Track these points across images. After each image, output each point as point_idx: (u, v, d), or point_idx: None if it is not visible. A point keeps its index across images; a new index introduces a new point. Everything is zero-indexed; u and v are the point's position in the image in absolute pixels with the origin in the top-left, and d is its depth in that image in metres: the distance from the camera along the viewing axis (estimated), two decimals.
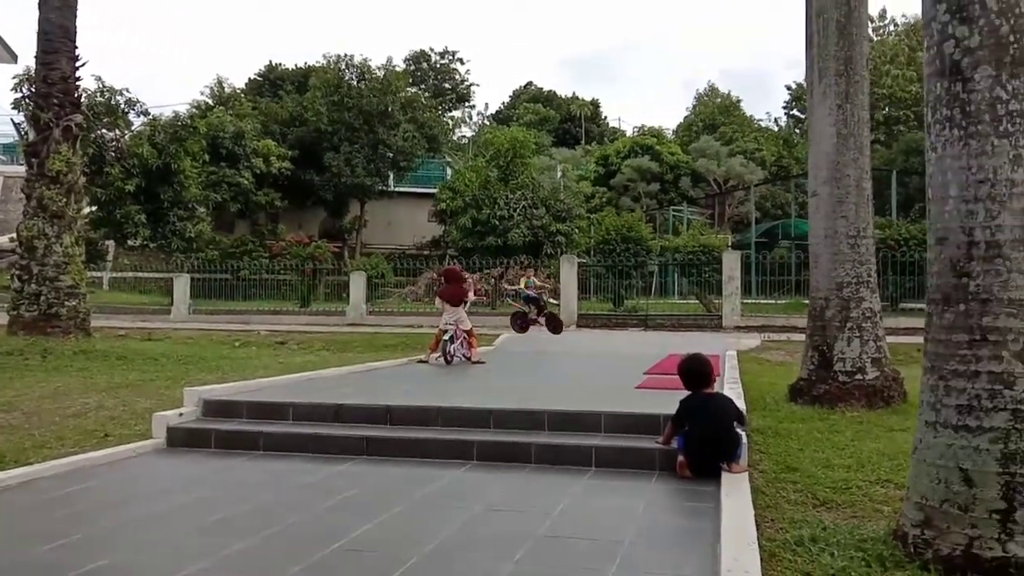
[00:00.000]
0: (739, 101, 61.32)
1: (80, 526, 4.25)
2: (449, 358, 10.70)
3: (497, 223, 28.79)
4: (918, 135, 39.16)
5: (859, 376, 7.92)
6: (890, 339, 8.69)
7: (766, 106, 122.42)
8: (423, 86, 57.59)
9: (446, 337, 10.84)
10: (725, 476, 4.96)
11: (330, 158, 35.93)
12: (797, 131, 54.88)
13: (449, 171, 42.88)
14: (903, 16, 52.84)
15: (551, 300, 26.26)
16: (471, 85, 64.16)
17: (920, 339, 3.99)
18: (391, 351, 14.46)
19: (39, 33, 14.28)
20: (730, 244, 32.27)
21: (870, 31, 49.35)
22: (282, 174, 35.02)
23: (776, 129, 58.75)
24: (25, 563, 3.65)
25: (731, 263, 20.77)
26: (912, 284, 20.61)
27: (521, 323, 17.76)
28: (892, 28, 53.15)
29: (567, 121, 64.92)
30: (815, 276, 8.38)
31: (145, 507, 4.68)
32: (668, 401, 5.76)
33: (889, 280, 19.90)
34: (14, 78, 29.03)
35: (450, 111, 61.25)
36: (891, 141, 44.67)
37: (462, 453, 5.84)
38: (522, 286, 18.68)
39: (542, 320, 17.80)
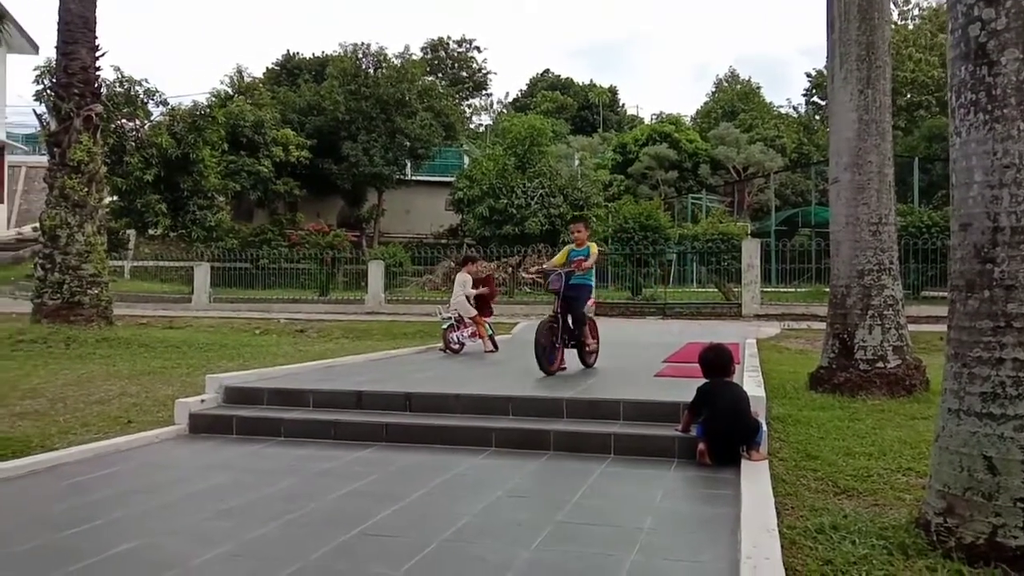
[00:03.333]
0: (759, 88, 60.77)
1: (104, 511, 4.30)
2: (455, 346, 10.70)
3: (514, 212, 28.75)
4: (940, 121, 38.68)
5: (880, 364, 7.86)
6: (912, 327, 8.62)
7: (781, 93, 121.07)
8: (440, 74, 57.52)
9: (444, 326, 10.83)
10: (745, 463, 4.95)
11: (348, 147, 35.98)
12: (817, 118, 54.36)
13: (466, 159, 42.85)
14: (926, 0, 52.09)
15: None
16: (488, 73, 64.01)
17: (943, 327, 3.94)
18: (409, 339, 14.51)
19: (59, 23, 14.39)
20: (750, 232, 32.04)
21: (895, 16, 48.75)
22: (301, 163, 35.11)
23: (796, 116, 58.21)
24: (50, 547, 3.71)
25: (751, 251, 20.64)
26: (934, 272, 20.37)
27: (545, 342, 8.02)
28: (916, 12, 52.41)
29: (584, 109, 64.60)
30: (836, 264, 8.30)
31: (168, 492, 4.74)
32: (687, 389, 5.74)
33: (911, 268, 19.71)
34: (35, 69, 29.28)
35: (467, 99, 61.16)
36: (912, 127, 44.12)
37: (481, 440, 5.86)
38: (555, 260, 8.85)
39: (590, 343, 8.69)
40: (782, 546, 3.49)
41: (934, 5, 49.12)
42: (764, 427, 5.29)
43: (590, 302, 8.92)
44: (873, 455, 5.33)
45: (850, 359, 7.95)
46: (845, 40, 8.17)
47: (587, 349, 8.61)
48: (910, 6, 52.72)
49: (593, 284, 8.82)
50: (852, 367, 7.92)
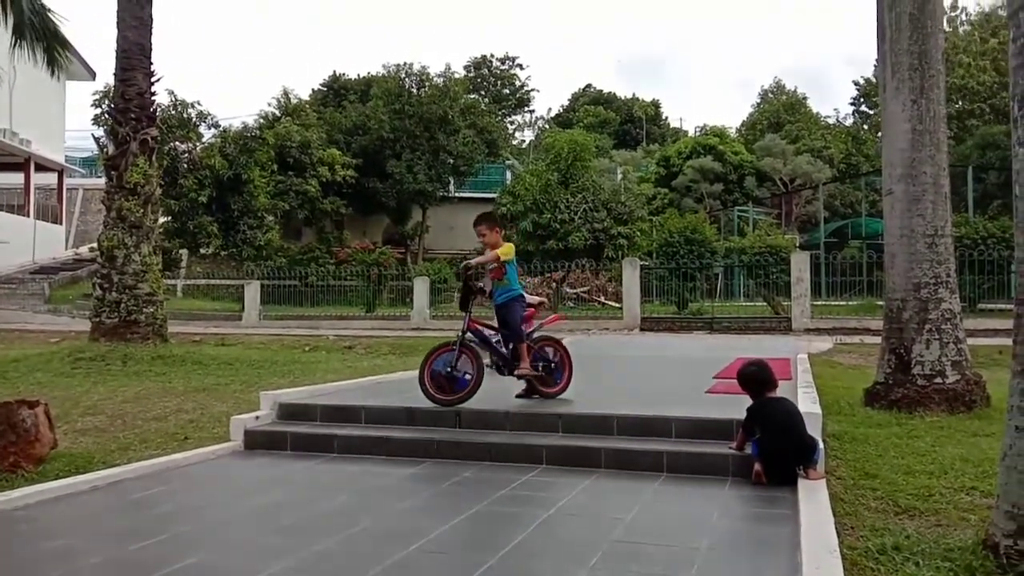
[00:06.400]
0: (805, 98, 60.08)
1: (167, 526, 4.40)
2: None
3: (558, 227, 28.77)
4: (994, 128, 37.67)
5: (939, 380, 7.68)
6: (970, 341, 8.40)
7: (828, 103, 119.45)
8: (483, 92, 57.96)
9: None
10: (802, 483, 4.86)
11: (392, 165, 36.42)
12: (865, 127, 53.48)
13: (509, 175, 43.04)
14: (976, 4, 51.04)
15: (610, 302, 25.97)
16: (531, 90, 64.36)
17: (1001, 340, 3.85)
18: None
19: (117, 51, 14.83)
20: (798, 244, 31.63)
21: (944, 23, 47.77)
22: (347, 182, 35.65)
23: (843, 126, 57.33)
24: (118, 561, 3.81)
25: (799, 264, 20.34)
26: (991, 284, 19.84)
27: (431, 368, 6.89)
28: (964, 17, 51.32)
29: (627, 122, 64.56)
30: (891, 276, 8.15)
31: (227, 508, 4.83)
32: (740, 406, 5.66)
33: (966, 280, 19.21)
34: (94, 95, 30.32)
35: (510, 116, 61.51)
36: (964, 135, 43.06)
37: (531, 457, 5.85)
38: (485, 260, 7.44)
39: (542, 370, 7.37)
40: (844, 568, 3.42)
41: (986, 9, 48.06)
42: (821, 445, 5.19)
43: (552, 320, 8.12)
44: (934, 473, 5.20)
45: (907, 375, 7.78)
46: (896, 50, 8.05)
47: (516, 372, 7.07)
48: (958, 11, 51.68)
49: (520, 291, 7.35)
50: (909, 383, 7.74)
